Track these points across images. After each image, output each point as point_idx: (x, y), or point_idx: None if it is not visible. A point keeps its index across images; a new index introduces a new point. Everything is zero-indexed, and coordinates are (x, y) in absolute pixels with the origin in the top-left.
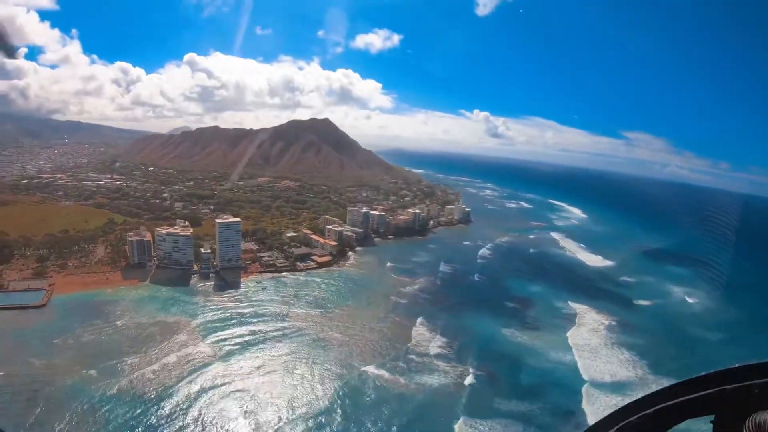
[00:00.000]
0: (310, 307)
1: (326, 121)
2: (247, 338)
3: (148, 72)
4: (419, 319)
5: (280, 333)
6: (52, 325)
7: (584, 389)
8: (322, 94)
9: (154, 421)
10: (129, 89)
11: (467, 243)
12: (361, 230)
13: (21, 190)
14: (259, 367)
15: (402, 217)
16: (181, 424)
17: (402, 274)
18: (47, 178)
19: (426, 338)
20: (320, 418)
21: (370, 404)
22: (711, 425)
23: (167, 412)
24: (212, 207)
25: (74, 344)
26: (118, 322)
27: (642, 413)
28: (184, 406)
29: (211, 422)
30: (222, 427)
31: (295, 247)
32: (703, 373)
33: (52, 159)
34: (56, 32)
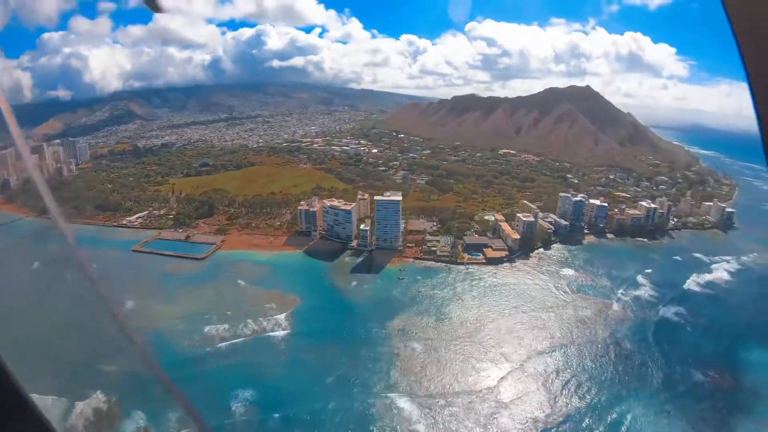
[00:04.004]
0: (411, 326)
1: (587, 88)
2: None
3: (423, 44)
4: None
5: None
6: (191, 276)
7: None
8: (610, 61)
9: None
10: (416, 59)
11: (703, 258)
12: (566, 223)
13: (275, 152)
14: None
15: (631, 212)
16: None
17: (580, 297)
18: (305, 142)
19: None
20: None
21: None
22: None
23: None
24: (426, 179)
25: (190, 296)
26: (240, 282)
27: None
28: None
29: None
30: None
31: (476, 233)
32: None
33: (324, 124)
34: (332, 12)
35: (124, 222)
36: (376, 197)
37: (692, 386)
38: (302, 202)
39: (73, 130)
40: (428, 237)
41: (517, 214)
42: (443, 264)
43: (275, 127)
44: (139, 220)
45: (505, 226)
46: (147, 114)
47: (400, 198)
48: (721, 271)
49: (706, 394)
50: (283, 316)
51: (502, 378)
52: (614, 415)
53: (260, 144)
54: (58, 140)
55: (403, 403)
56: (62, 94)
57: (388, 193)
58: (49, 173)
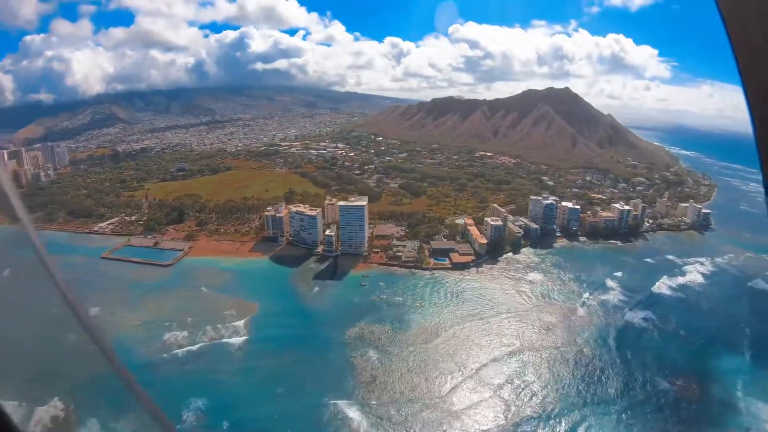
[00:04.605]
0: (368, 333)
1: (566, 90)
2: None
3: (407, 46)
4: None
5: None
6: (157, 283)
7: None
8: (593, 62)
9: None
10: (399, 62)
11: (676, 260)
12: (537, 226)
13: (253, 156)
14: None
15: (604, 214)
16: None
17: (545, 302)
18: (283, 146)
19: None
20: None
21: None
22: None
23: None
24: (400, 182)
25: (154, 303)
26: (203, 289)
27: None
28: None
29: None
30: None
31: (445, 238)
32: None
33: (305, 128)
34: (314, 15)
35: (96, 228)
36: (340, 203)
37: (655, 395)
38: (269, 208)
39: (55, 134)
40: (395, 242)
41: (486, 218)
42: (408, 270)
43: (256, 130)
44: (111, 227)
45: (473, 230)
46: (129, 117)
47: (364, 203)
48: (694, 274)
49: (670, 403)
50: (241, 323)
51: (454, 386)
52: (568, 426)
53: (239, 148)
54: (39, 144)
55: (353, 411)
56: (45, 97)
57: (353, 198)
58: (26, 179)
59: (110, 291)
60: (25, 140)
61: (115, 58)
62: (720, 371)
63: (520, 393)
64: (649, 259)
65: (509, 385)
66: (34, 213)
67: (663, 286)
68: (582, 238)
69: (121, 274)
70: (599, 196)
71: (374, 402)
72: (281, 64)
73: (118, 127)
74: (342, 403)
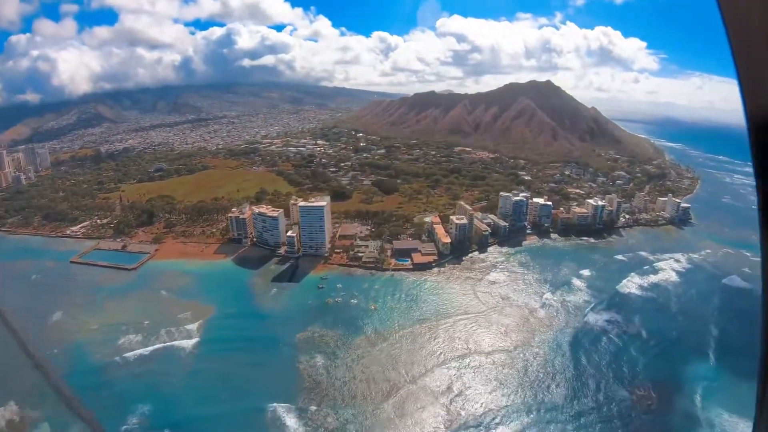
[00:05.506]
0: (319, 337)
1: (548, 83)
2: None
3: (394, 40)
4: None
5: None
6: (119, 287)
7: None
8: (581, 55)
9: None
10: (387, 56)
11: (649, 257)
12: (505, 224)
13: (232, 154)
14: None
15: (577, 210)
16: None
17: (505, 303)
18: (264, 143)
19: None
20: None
21: None
22: None
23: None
24: (371, 181)
25: (114, 307)
26: (163, 292)
27: None
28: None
29: None
30: None
31: (411, 237)
32: None
33: (289, 124)
34: (299, 10)
35: (68, 232)
36: (300, 203)
37: (608, 404)
38: (234, 209)
39: (41, 135)
40: (358, 242)
41: (451, 217)
42: (368, 271)
43: (239, 127)
44: (82, 230)
45: (439, 229)
46: (116, 116)
47: (324, 204)
48: (667, 271)
49: (624, 412)
50: (195, 326)
51: (396, 393)
52: None
53: (219, 146)
54: (23, 146)
55: (291, 416)
56: (31, 97)
57: (313, 199)
58: (7, 182)
59: (75, 295)
60: (10, 141)
61: (101, 57)
62: (682, 378)
63: (464, 400)
64: (620, 256)
65: (453, 391)
66: (11, 217)
67: (632, 284)
68: (553, 235)
69: (88, 279)
70: (577, 190)
71: (314, 407)
72: (268, 60)
73: (104, 127)
74: (282, 408)
